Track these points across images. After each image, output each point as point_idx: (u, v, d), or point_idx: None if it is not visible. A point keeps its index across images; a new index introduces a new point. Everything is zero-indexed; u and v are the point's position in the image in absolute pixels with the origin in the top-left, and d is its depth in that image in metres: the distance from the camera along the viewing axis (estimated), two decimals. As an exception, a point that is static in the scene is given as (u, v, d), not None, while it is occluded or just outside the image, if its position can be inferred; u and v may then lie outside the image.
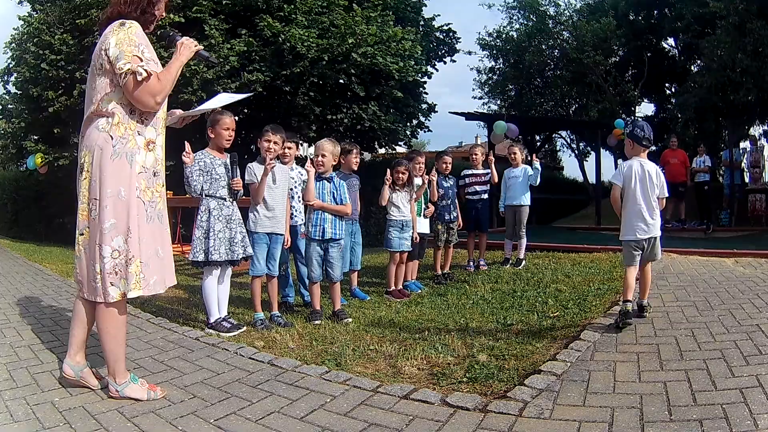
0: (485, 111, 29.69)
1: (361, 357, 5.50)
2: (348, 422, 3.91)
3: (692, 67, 27.45)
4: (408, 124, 20.85)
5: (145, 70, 3.98)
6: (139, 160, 4.18)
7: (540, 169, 10.62)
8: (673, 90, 30.64)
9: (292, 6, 16.27)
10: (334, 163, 7.63)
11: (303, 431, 3.81)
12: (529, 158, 10.85)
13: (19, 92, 19.16)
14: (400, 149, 22.06)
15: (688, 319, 6.22)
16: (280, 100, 16.63)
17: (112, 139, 4.09)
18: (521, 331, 6.26)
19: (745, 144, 21.76)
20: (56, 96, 15.96)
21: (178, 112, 5.12)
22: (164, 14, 4.55)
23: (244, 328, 6.73)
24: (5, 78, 20.61)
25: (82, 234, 4.23)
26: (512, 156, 10.94)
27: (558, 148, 41.32)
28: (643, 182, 6.44)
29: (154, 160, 4.30)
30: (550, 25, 30.83)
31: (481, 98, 35.22)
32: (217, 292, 6.73)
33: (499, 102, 34.18)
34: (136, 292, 4.18)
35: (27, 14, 18.66)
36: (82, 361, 4.54)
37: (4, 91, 21.19)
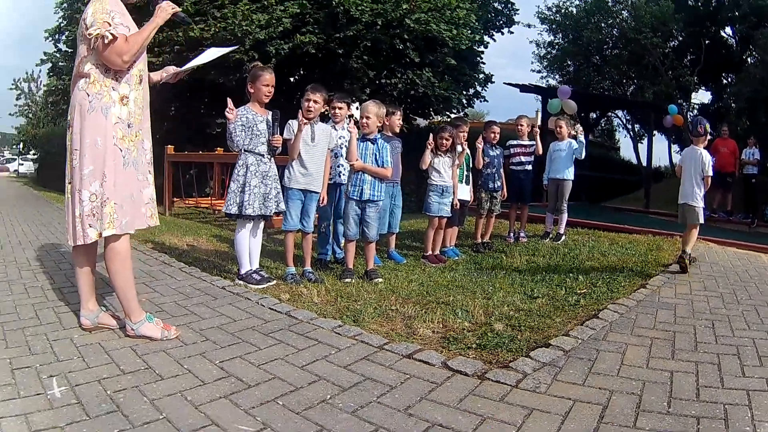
0: (541, 84, 29.41)
1: (380, 316, 5.55)
2: (345, 374, 4.00)
3: (748, 59, 26.96)
4: (464, 92, 20.77)
5: (111, 34, 4.30)
6: (114, 112, 4.49)
7: (585, 142, 10.50)
8: (729, 80, 30.10)
9: (349, -33, 16.15)
10: (379, 125, 7.63)
11: (300, 378, 3.91)
12: (574, 132, 10.69)
13: (69, 50, 19.37)
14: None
15: (712, 311, 6.11)
16: (333, 63, 16.61)
17: (88, 96, 4.45)
18: (545, 304, 6.19)
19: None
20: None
21: (171, 68, 5.46)
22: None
23: (274, 281, 6.81)
24: (57, 36, 20.92)
25: (70, 182, 4.54)
26: (558, 129, 10.80)
27: (615, 127, 40.97)
28: (687, 163, 8.38)
29: (128, 113, 4.57)
30: (609, 4, 30.46)
31: (539, 72, 35.16)
32: (249, 244, 6.83)
33: (557, 77, 33.96)
34: (109, 230, 4.46)
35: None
36: (95, 307, 4.85)
37: (56, 50, 21.53)
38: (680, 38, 30.66)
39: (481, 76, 21.48)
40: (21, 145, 50.50)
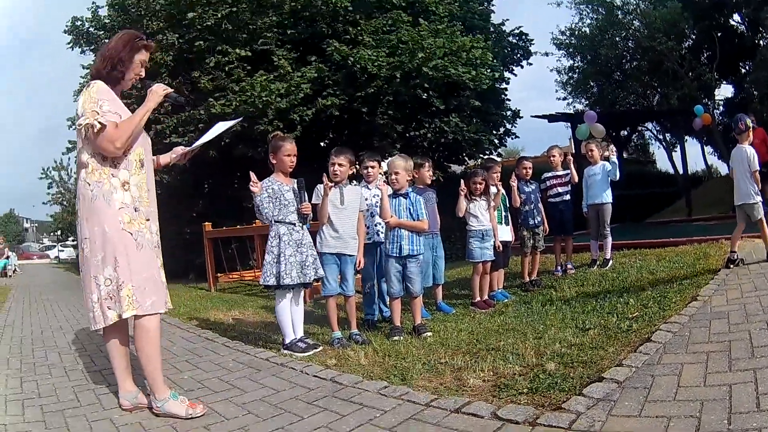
0: (569, 111, 29.25)
1: (429, 371, 5.46)
2: (390, 437, 3.91)
3: (760, 41, 26.73)
4: (494, 132, 20.75)
5: (99, 122, 4.37)
6: (117, 198, 4.54)
7: (617, 162, 10.31)
8: (747, 68, 29.80)
9: (358, 28, 16.36)
10: (409, 179, 7.61)
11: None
12: (607, 154, 10.54)
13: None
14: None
15: (765, 310, 5.88)
16: (359, 122, 16.68)
17: (89, 185, 4.53)
18: (598, 335, 6.05)
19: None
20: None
21: (180, 148, 5.53)
22: (141, 74, 4.92)
23: (321, 348, 6.76)
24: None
25: (82, 271, 4.65)
26: (589, 153, 10.67)
27: (647, 141, 40.70)
28: (736, 163, 8.53)
29: (131, 198, 4.62)
30: (620, 16, 30.41)
31: (564, 99, 35.03)
32: (291, 313, 6.80)
33: (583, 100, 33.86)
34: (129, 312, 4.47)
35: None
36: (133, 388, 4.85)
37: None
38: (693, 36, 30.55)
39: (509, 113, 21.51)
40: (59, 232, 51.15)
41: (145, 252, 4.59)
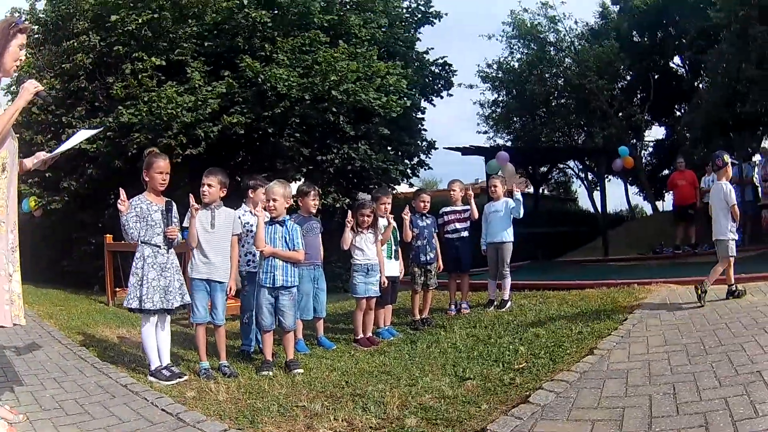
0: (484, 145, 29.41)
1: (282, 415, 5.23)
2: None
3: (700, 85, 27.13)
4: (406, 162, 20.58)
5: None
6: None
7: (521, 200, 10.02)
8: (683, 111, 30.21)
9: (275, 45, 16.10)
10: (287, 206, 7.35)
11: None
12: (510, 189, 10.30)
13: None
14: (404, 189, 21.81)
15: (673, 370, 5.44)
16: (265, 143, 16.38)
17: None
18: (475, 387, 5.69)
19: (756, 158, 20.98)
20: (46, 140, 15.90)
21: (42, 154, 5.40)
22: (21, 57, 4.77)
23: (186, 377, 6.59)
24: (0, 123, 20.72)
25: None
26: (492, 188, 10.38)
27: (568, 179, 41.07)
28: (714, 199, 8.72)
29: None
30: (552, 53, 30.63)
31: (485, 132, 35.08)
32: (156, 339, 6.61)
33: (504, 135, 33.97)
34: None
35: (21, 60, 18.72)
36: None
37: (0, 137, 21.29)
38: (628, 77, 30.88)
39: (424, 143, 21.33)
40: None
41: None
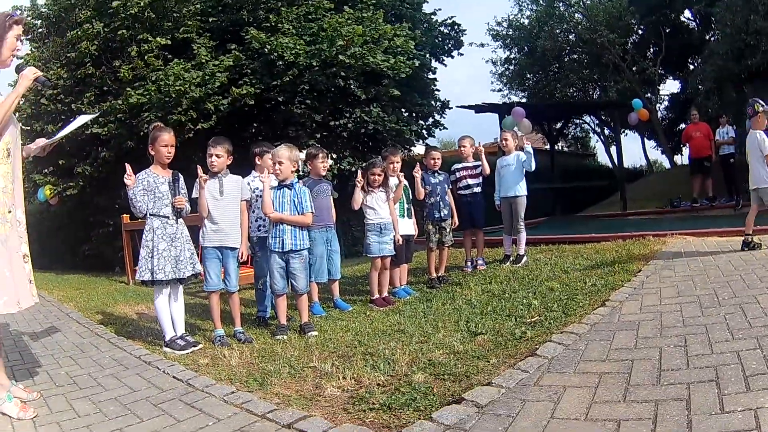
0: (496, 102, 29.23)
1: (292, 376, 5.21)
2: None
3: (710, 38, 26.75)
4: (420, 123, 20.42)
5: None
6: None
7: (532, 152, 9.90)
8: (696, 65, 29.81)
9: (279, 16, 16.02)
10: (294, 169, 7.27)
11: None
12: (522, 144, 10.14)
13: (25, 128, 19.23)
14: (420, 150, 21.69)
15: (685, 322, 5.31)
16: (276, 111, 16.34)
17: None
18: (486, 342, 5.64)
19: (769, 108, 20.77)
20: (56, 129, 15.83)
21: (41, 140, 5.42)
22: (19, 48, 4.81)
23: (200, 346, 6.66)
24: (10, 115, 20.80)
25: None
26: (503, 142, 10.32)
27: (586, 135, 40.86)
28: (749, 148, 8.62)
29: None
30: (561, 8, 30.37)
31: (500, 90, 34.98)
32: (170, 310, 6.66)
33: (518, 92, 33.80)
34: None
35: (25, 53, 18.76)
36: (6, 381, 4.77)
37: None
38: (639, 31, 30.61)
39: (438, 103, 21.13)
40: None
41: None
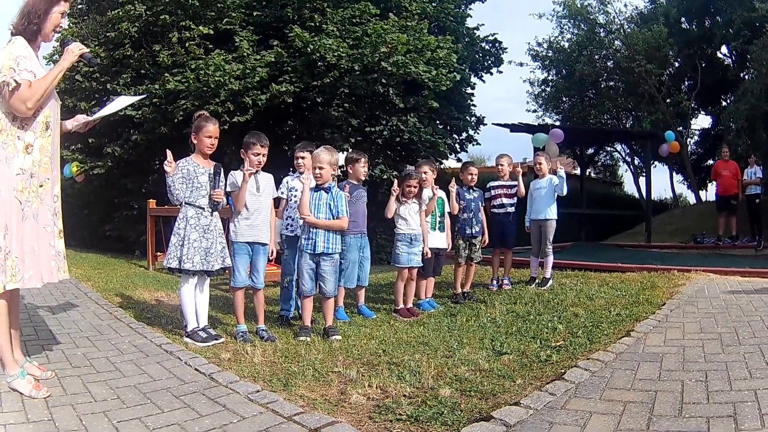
0: (532, 123, 29.19)
1: (317, 380, 5.17)
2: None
3: (745, 76, 26.62)
4: (455, 136, 20.44)
5: (14, 80, 4.29)
6: (17, 163, 4.42)
7: (564, 177, 9.86)
8: (729, 102, 29.67)
9: (324, 17, 16.05)
10: (333, 173, 7.26)
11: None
12: (555, 168, 10.13)
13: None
14: (452, 164, 21.66)
15: (707, 358, 5.31)
16: (313, 112, 16.34)
17: None
18: (512, 362, 5.63)
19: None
20: (89, 107, 15.97)
21: (82, 117, 5.38)
22: (62, 24, 4.83)
23: (222, 339, 6.61)
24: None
25: None
26: (537, 166, 10.26)
27: (615, 163, 40.78)
28: None
29: (31, 163, 4.51)
30: (602, 34, 30.30)
31: (535, 111, 34.91)
32: (195, 301, 6.62)
33: (553, 115, 33.73)
34: (12, 284, 4.38)
35: (64, 29, 18.82)
36: (21, 357, 4.77)
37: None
38: (676, 64, 30.56)
39: (473, 118, 21.13)
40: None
41: (28, 223, 4.48)
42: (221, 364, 5.57)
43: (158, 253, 14.54)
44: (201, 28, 15.68)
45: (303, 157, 7.80)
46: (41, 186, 4.55)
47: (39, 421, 3.93)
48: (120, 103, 5.76)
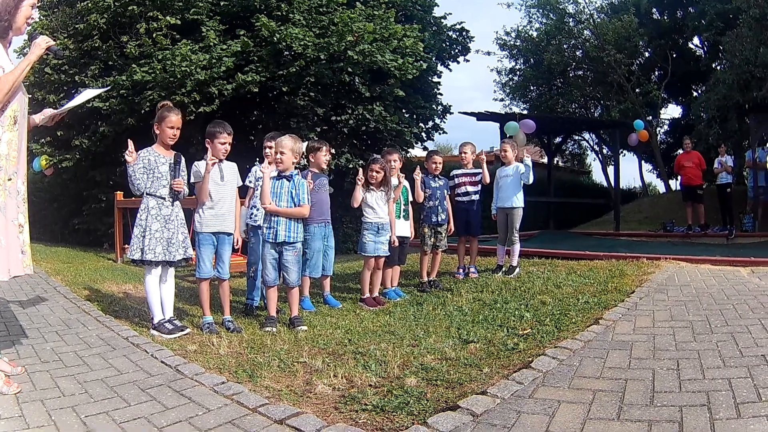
0: (498, 111, 29.22)
1: (282, 370, 5.16)
2: (201, 440, 3.71)
3: (717, 67, 26.82)
4: (420, 125, 20.44)
5: None
6: None
7: (531, 165, 9.80)
8: (700, 92, 29.91)
9: (291, 5, 15.98)
10: (295, 161, 7.23)
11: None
12: (521, 156, 10.08)
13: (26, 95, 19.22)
14: (418, 152, 21.65)
15: (678, 346, 5.30)
16: (279, 101, 16.31)
17: None
18: (478, 350, 5.61)
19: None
20: (58, 99, 15.94)
21: (49, 111, 5.38)
22: (33, 17, 4.85)
23: (188, 331, 6.57)
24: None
25: None
26: (503, 153, 10.24)
27: (583, 152, 40.97)
28: None
29: None
30: (571, 24, 30.42)
31: (502, 100, 34.98)
32: (160, 292, 6.61)
33: (520, 104, 33.80)
34: None
35: (35, 21, 18.69)
36: None
37: (12, 96, 21.38)
38: (646, 54, 30.75)
39: (439, 107, 21.12)
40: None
41: None
42: (187, 355, 5.57)
43: (126, 245, 14.44)
44: (168, 18, 15.65)
45: (271, 147, 7.75)
46: (9, 180, 4.52)
47: (10, 417, 3.94)
48: (85, 95, 5.78)
